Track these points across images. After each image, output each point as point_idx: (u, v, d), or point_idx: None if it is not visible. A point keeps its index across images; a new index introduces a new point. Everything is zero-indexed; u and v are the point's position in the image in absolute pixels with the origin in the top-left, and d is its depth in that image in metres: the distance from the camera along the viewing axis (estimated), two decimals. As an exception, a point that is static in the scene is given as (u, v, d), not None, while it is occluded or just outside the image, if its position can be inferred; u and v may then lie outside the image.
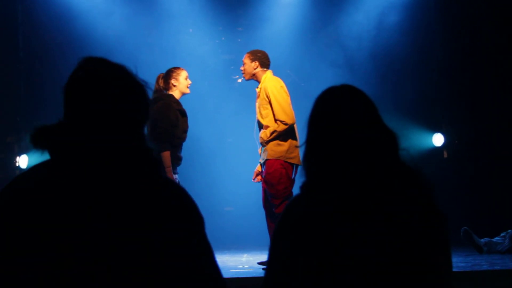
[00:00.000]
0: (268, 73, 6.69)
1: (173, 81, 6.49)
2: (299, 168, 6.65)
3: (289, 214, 2.01)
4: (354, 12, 10.19)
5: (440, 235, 1.97)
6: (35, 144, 1.80)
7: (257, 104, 6.71)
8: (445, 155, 10.03)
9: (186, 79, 6.55)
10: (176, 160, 6.41)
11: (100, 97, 1.78)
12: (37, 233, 1.68)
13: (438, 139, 9.91)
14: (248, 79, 6.83)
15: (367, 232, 1.91)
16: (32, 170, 1.82)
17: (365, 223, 1.92)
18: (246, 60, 6.75)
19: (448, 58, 9.93)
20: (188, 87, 6.57)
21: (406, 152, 2.04)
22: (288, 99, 6.59)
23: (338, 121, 2.02)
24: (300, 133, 6.71)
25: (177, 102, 6.46)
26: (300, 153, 6.64)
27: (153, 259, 1.69)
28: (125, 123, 1.79)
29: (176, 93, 6.50)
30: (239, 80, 10.30)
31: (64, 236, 1.67)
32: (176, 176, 6.37)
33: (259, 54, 6.74)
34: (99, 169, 1.74)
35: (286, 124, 6.47)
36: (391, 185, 1.96)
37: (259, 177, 6.76)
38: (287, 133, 6.54)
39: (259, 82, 6.71)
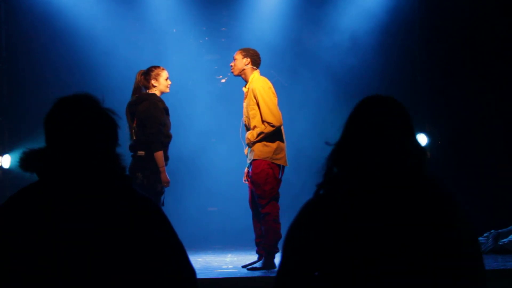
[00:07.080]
0: (256, 73, 6.67)
1: (153, 82, 6.46)
2: (285, 168, 6.65)
3: (309, 211, 2.16)
4: (337, 14, 10.21)
5: (467, 252, 2.15)
6: (25, 168, 2.22)
7: (244, 104, 6.68)
8: (428, 155, 10.05)
9: (166, 79, 6.52)
10: (165, 160, 6.38)
11: (74, 131, 2.21)
12: (34, 237, 2.13)
13: (421, 140, 9.95)
14: (237, 75, 6.79)
15: (388, 235, 2.07)
16: (24, 191, 2.23)
17: (386, 227, 2.07)
18: (238, 56, 6.72)
19: (431, 59, 9.97)
20: (168, 87, 6.55)
21: (431, 168, 2.25)
22: (276, 101, 6.58)
23: (374, 128, 2.19)
24: (285, 130, 6.72)
25: (161, 100, 6.45)
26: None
27: (133, 258, 2.16)
28: (97, 148, 2.22)
29: (156, 92, 6.49)
30: (223, 80, 10.29)
31: (54, 241, 2.11)
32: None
33: (251, 52, 6.73)
34: (81, 186, 2.19)
35: (273, 126, 6.46)
36: (413, 195, 2.14)
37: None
38: (274, 134, 6.53)
39: (246, 81, 6.69)
